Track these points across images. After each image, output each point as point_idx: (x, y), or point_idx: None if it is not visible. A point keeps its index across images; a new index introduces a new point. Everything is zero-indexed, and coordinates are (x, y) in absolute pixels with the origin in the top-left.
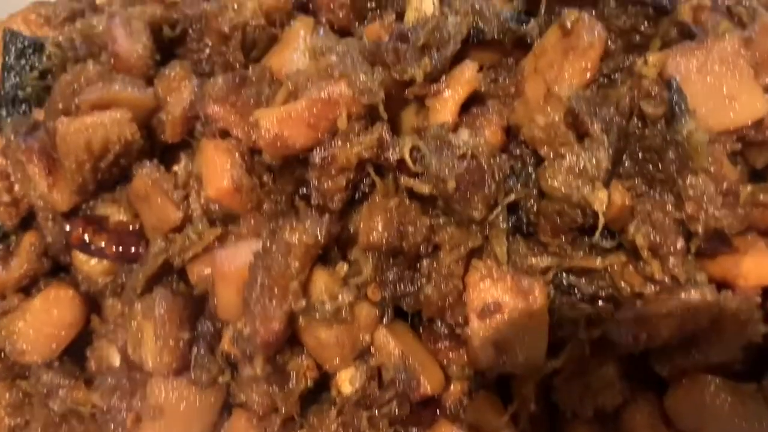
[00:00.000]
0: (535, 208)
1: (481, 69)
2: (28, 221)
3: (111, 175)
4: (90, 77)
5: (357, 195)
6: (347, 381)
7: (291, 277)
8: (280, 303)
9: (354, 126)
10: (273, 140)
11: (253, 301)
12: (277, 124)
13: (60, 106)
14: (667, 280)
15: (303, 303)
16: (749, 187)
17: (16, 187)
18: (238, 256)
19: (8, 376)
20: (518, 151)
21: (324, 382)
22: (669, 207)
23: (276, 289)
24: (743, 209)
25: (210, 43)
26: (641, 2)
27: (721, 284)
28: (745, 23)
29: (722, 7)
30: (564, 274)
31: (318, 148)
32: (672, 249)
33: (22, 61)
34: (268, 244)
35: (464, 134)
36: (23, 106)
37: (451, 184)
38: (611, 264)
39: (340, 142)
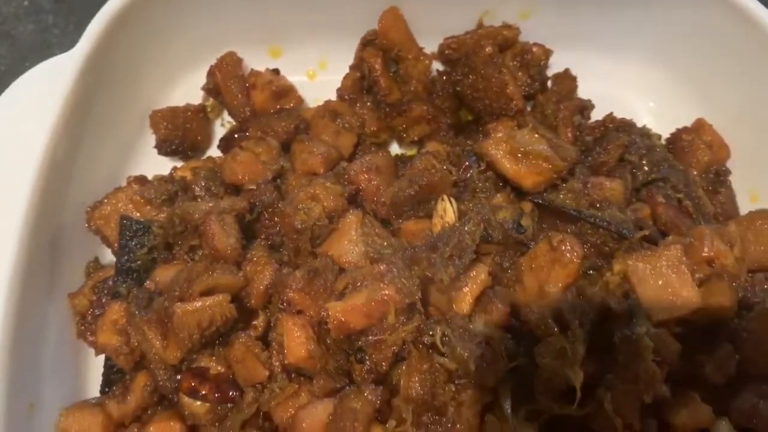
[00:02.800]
0: (531, 373)
1: (488, 254)
2: (139, 361)
3: (211, 339)
4: (198, 270)
5: (397, 356)
6: None
7: None
8: None
9: (399, 318)
10: (338, 325)
11: None
12: (342, 314)
13: (176, 293)
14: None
15: None
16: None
17: (132, 341)
18: (315, 416)
19: None
20: (517, 324)
21: None
22: (629, 381)
23: None
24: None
25: (283, 230)
26: (608, 229)
27: (666, 426)
28: (690, 213)
29: (673, 201)
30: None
31: (371, 330)
32: (629, 411)
33: (134, 241)
34: (339, 410)
35: (480, 323)
36: (134, 275)
37: (472, 366)
38: (587, 413)
39: (389, 330)
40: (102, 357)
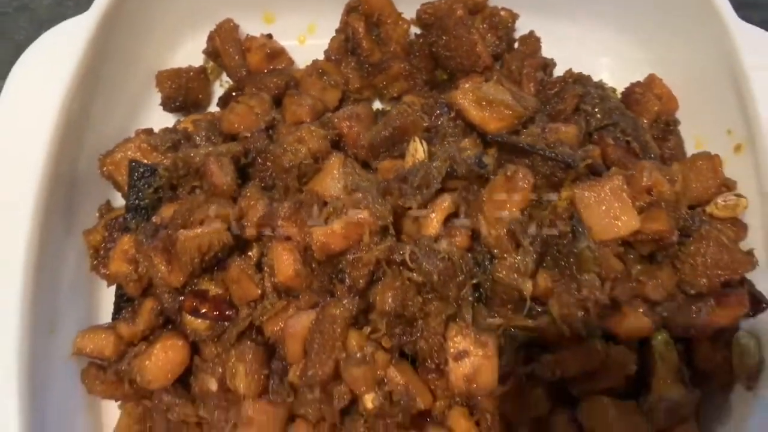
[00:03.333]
0: (489, 288)
1: (453, 189)
2: (147, 289)
3: (210, 263)
4: (198, 203)
5: (374, 277)
6: (370, 401)
7: (336, 339)
8: (330, 355)
9: (373, 238)
10: (321, 246)
11: (314, 353)
12: (324, 237)
13: (179, 221)
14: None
15: (344, 354)
16: (638, 267)
17: (140, 269)
18: (300, 322)
19: (137, 397)
20: (479, 248)
21: (355, 401)
22: (573, 291)
23: (327, 347)
24: (631, 285)
25: (274, 171)
26: (556, 160)
27: (611, 335)
28: (637, 153)
29: (622, 142)
30: (510, 330)
31: (350, 250)
32: (575, 318)
33: (142, 182)
34: (320, 316)
35: (444, 243)
36: (142, 212)
37: (435, 278)
38: (539, 324)
39: (364, 249)
40: (113, 289)
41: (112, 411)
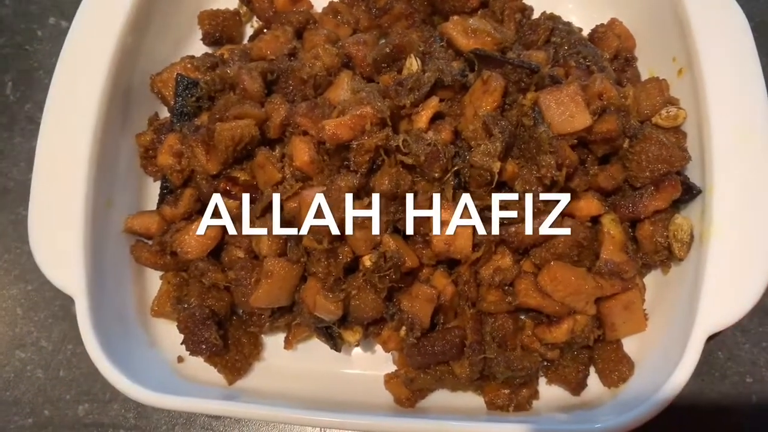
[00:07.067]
0: (467, 174)
1: (442, 100)
2: (187, 181)
3: (241, 154)
4: (233, 101)
5: (374, 165)
6: (368, 259)
7: (341, 202)
8: (335, 213)
9: (374, 129)
10: (331, 136)
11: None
12: (334, 127)
13: (217, 116)
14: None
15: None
16: (595, 167)
17: (183, 161)
18: (311, 193)
19: (176, 267)
20: (460, 143)
21: (356, 260)
22: (534, 171)
23: (333, 208)
24: (587, 178)
25: (294, 84)
26: (522, 66)
27: (569, 216)
28: (593, 72)
29: (583, 65)
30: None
31: (354, 139)
32: (535, 195)
33: (186, 92)
34: (329, 188)
35: (430, 134)
36: (186, 117)
37: (422, 159)
38: (507, 202)
39: (366, 137)
40: (157, 186)
41: (154, 281)
